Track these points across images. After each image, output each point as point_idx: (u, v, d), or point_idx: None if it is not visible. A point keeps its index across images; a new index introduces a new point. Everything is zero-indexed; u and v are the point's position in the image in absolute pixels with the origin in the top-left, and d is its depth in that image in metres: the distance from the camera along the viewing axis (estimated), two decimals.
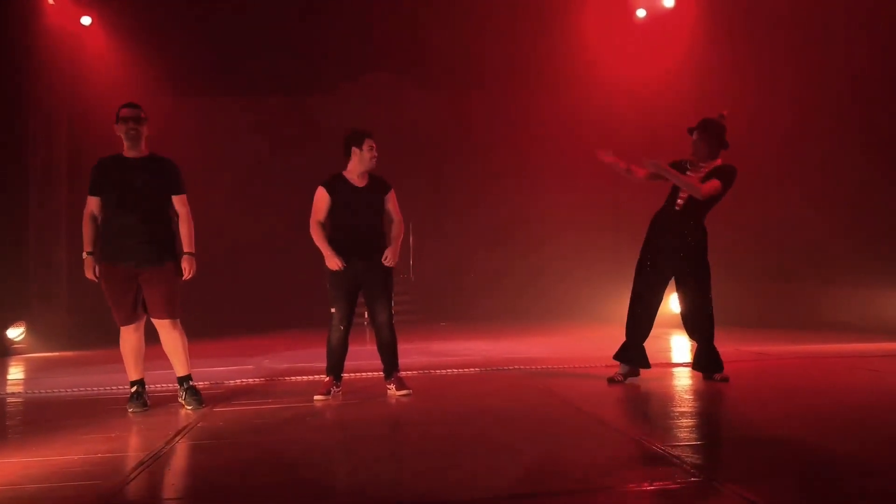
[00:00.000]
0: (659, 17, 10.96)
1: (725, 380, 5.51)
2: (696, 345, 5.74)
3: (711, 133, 5.48)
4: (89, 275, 4.95)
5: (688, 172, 5.54)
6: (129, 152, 5.00)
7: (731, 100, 9.92)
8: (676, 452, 3.47)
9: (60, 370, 7.58)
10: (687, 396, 5.31)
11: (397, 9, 11.15)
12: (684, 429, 4.16)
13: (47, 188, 10.00)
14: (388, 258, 5.33)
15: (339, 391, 5.36)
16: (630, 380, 5.67)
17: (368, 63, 11.91)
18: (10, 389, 6.70)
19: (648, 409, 4.73)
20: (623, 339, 5.76)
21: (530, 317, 11.83)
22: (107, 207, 4.94)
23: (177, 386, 5.17)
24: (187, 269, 5.03)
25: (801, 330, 8.76)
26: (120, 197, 4.89)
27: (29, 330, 9.33)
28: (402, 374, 5.51)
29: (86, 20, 10.44)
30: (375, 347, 5.48)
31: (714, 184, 5.37)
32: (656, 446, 3.59)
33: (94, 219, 4.98)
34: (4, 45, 9.32)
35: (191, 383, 5.09)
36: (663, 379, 6.04)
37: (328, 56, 11.51)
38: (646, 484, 3.11)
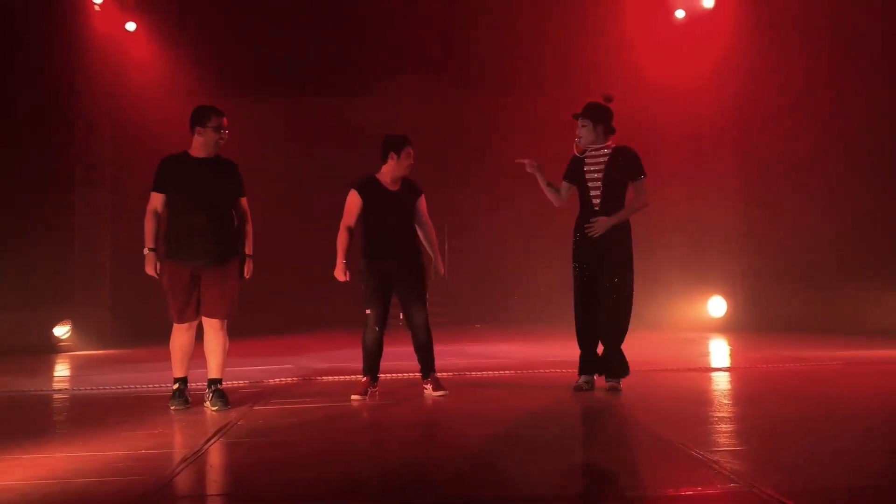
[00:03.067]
0: (698, 18, 10.82)
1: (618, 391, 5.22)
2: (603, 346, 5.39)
3: (594, 118, 5.31)
4: (150, 271, 4.96)
5: (585, 160, 5.37)
6: (198, 152, 5.05)
7: (773, 100, 9.83)
8: (716, 458, 3.43)
9: (105, 368, 7.75)
10: (725, 401, 5.25)
11: (432, 10, 11.19)
12: (724, 434, 4.11)
13: (91, 189, 10.23)
14: (440, 270, 5.45)
15: (375, 391, 5.40)
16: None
17: (403, 65, 11.97)
18: (56, 386, 6.89)
19: (687, 414, 4.68)
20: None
21: (565, 319, 11.77)
22: (173, 205, 4.98)
23: (204, 386, 5.17)
24: (247, 270, 5.13)
25: (847, 335, 8.56)
26: (189, 196, 4.95)
27: (75, 328, 9.56)
28: (439, 374, 5.53)
29: (130, 26, 10.66)
30: (412, 348, 5.51)
31: (643, 185, 5.27)
32: (695, 451, 3.55)
33: (156, 215, 5.01)
34: (52, 50, 9.59)
35: (220, 386, 5.12)
36: (701, 382, 5.98)
37: (363, 58, 11.60)
38: (685, 489, 3.09)
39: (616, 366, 5.30)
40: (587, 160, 5.39)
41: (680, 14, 11.02)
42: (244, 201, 5.18)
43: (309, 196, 11.83)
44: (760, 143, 10.13)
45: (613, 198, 5.30)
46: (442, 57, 11.78)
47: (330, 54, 11.46)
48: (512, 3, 11.10)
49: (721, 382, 6.06)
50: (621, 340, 5.31)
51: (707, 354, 8.13)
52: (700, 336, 9.57)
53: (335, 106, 12.27)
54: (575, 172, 5.45)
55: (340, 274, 5.27)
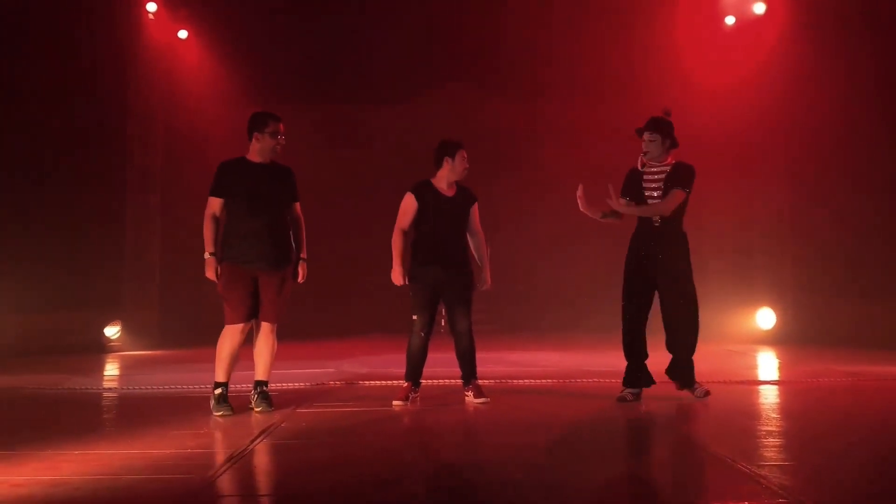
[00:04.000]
0: (749, 24, 10.65)
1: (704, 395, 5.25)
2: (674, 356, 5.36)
3: (663, 132, 5.27)
4: (211, 275, 5.02)
5: (644, 176, 5.34)
6: (255, 157, 5.12)
7: (822, 108, 9.58)
8: (763, 472, 3.35)
9: (153, 367, 7.91)
10: (774, 415, 5.14)
11: (476, 17, 11.22)
12: (771, 448, 4.02)
13: (142, 192, 10.47)
14: (486, 282, 5.45)
15: (417, 397, 5.41)
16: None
17: (445, 73, 12.02)
18: (106, 385, 7.05)
19: (732, 427, 4.58)
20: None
21: (607, 330, 11.64)
22: (233, 210, 5.05)
23: (250, 388, 5.22)
24: (301, 273, 5.20)
25: None
26: (248, 201, 5.01)
27: (124, 329, 9.78)
28: (480, 381, 5.52)
29: (182, 34, 10.91)
30: (454, 354, 5.51)
31: (676, 196, 5.17)
32: (741, 465, 3.48)
33: (215, 220, 5.06)
34: (107, 57, 9.86)
35: (266, 388, 5.19)
36: (749, 396, 5.85)
37: (407, 66, 11.69)
38: (731, 503, 3.02)
39: (690, 374, 5.30)
40: (646, 174, 5.35)
41: (730, 20, 10.86)
42: (298, 206, 5.25)
43: (357, 202, 11.94)
44: (812, 147, 9.85)
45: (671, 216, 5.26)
46: (483, 65, 11.81)
47: (376, 60, 11.57)
48: (560, 9, 11.04)
49: (769, 396, 5.92)
50: (693, 352, 5.30)
51: (755, 367, 7.96)
52: (748, 348, 9.37)
53: (382, 113, 12.37)
54: (634, 187, 5.40)
55: (399, 277, 5.30)
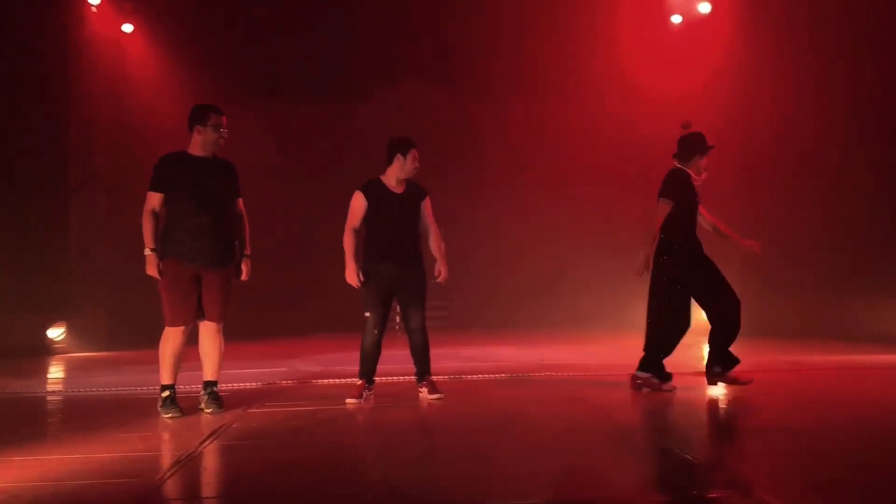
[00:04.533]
0: (695, 24, 10.85)
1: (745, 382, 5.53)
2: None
3: (679, 147, 5.71)
4: (152, 272, 4.84)
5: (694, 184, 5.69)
6: (196, 151, 5.00)
7: (770, 104, 9.83)
8: (712, 462, 3.42)
9: (99, 369, 7.73)
10: (721, 406, 5.25)
11: (430, 16, 11.22)
12: (717, 439, 4.11)
13: (87, 192, 10.21)
14: (442, 274, 5.41)
15: (371, 394, 5.39)
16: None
17: (401, 69, 12.00)
18: (50, 388, 6.85)
19: (680, 419, 4.68)
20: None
21: (559, 324, 11.79)
22: (174, 206, 4.89)
23: (200, 389, 5.12)
24: (245, 271, 5.10)
25: (847, 341, 8.53)
26: (190, 196, 4.87)
27: (69, 330, 9.53)
28: (434, 378, 5.52)
29: (127, 27, 10.65)
30: (408, 351, 5.50)
31: (657, 207, 5.56)
32: (688, 456, 3.55)
33: (154, 215, 4.89)
34: (49, 51, 9.57)
35: (216, 388, 5.09)
36: (695, 388, 5.97)
37: (362, 62, 11.62)
38: (678, 494, 3.08)
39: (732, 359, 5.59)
40: (695, 183, 5.69)
41: (677, 19, 11.05)
42: (241, 202, 5.15)
43: (306, 200, 11.84)
44: (755, 150, 10.10)
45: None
46: (436, 63, 11.84)
47: (327, 56, 11.47)
48: (508, 9, 11.10)
49: (715, 388, 6.05)
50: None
51: (702, 359, 8.12)
52: (698, 341, 9.57)
53: (332, 110, 12.27)
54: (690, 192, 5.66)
55: (353, 277, 5.25)
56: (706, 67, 10.56)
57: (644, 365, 5.58)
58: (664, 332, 5.61)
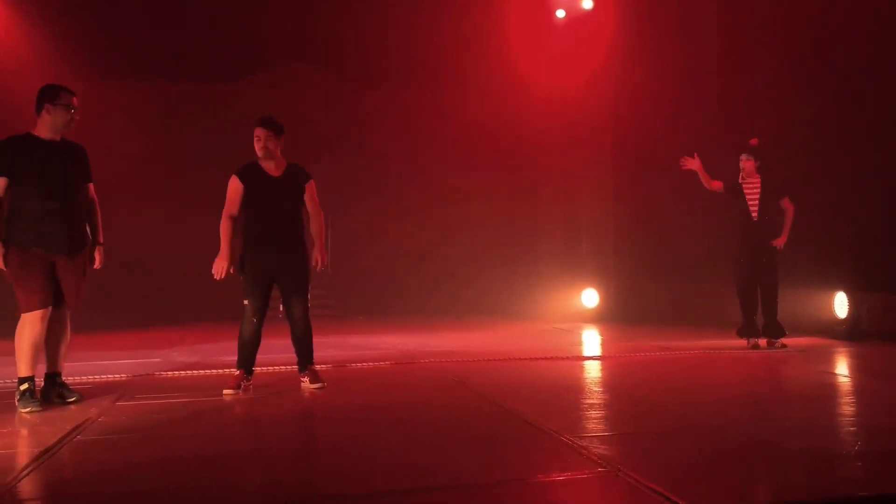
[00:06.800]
0: (579, 19, 11.12)
1: (784, 346, 7.12)
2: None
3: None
4: (0, 263, 4.59)
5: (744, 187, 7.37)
6: (44, 133, 4.72)
7: (647, 101, 10.21)
8: (584, 444, 3.54)
9: None
10: (596, 388, 5.45)
11: (320, 2, 11.05)
12: (593, 420, 4.26)
13: None
14: (319, 261, 5.26)
15: (250, 385, 5.25)
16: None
17: (281, 53, 11.73)
18: None
19: (559, 402, 4.81)
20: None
21: (444, 313, 11.90)
22: (20, 191, 4.62)
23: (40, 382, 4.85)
24: (98, 259, 4.93)
25: (708, 326, 8.92)
26: (39, 181, 4.62)
27: None
28: (317, 367, 5.43)
29: None
30: (289, 340, 5.38)
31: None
32: (566, 437, 3.65)
33: None
34: None
35: (61, 379, 4.90)
36: (574, 370, 6.18)
37: (240, 44, 11.25)
38: (554, 475, 3.17)
39: (779, 329, 7.22)
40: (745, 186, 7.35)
41: (561, 14, 11.30)
42: (91, 187, 4.94)
43: (186, 185, 11.33)
44: (633, 144, 10.50)
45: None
46: (318, 48, 11.67)
47: (205, 36, 11.02)
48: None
49: (592, 371, 6.28)
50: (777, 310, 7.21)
51: (579, 344, 8.42)
52: (573, 326, 9.92)
53: (208, 91, 11.80)
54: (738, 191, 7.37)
55: (220, 267, 5.04)
56: (589, 62, 10.86)
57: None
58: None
